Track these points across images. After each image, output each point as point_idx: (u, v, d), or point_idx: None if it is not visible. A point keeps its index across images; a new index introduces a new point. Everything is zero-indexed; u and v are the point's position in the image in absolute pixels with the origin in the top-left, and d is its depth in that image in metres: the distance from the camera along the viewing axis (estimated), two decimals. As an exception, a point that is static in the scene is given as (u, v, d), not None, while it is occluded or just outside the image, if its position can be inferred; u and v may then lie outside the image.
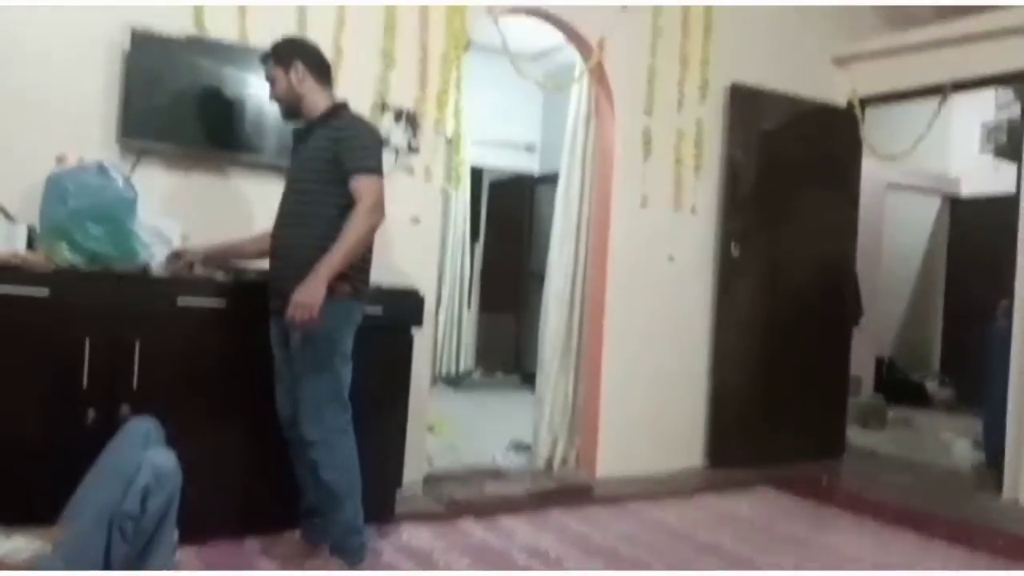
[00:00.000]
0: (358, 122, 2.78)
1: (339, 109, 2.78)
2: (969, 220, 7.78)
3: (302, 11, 3.45)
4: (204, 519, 2.62)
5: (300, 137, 2.81)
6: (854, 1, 5.08)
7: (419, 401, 3.57)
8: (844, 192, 5.20)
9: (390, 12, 3.64)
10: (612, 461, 4.38)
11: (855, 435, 5.56)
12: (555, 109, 6.15)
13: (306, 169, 2.71)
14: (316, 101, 2.76)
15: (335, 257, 2.56)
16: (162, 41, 3.06)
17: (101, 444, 2.38)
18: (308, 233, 2.65)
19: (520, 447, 4.68)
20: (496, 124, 6.93)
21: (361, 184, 2.61)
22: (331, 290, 2.56)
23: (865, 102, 5.14)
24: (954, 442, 5.56)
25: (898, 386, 7.28)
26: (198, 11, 3.22)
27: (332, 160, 2.65)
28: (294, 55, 2.77)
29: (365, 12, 3.57)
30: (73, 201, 2.70)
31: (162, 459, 2.21)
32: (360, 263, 2.72)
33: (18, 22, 2.94)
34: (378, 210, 2.64)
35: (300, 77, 2.75)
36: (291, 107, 2.78)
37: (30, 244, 2.75)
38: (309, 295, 2.52)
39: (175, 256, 2.91)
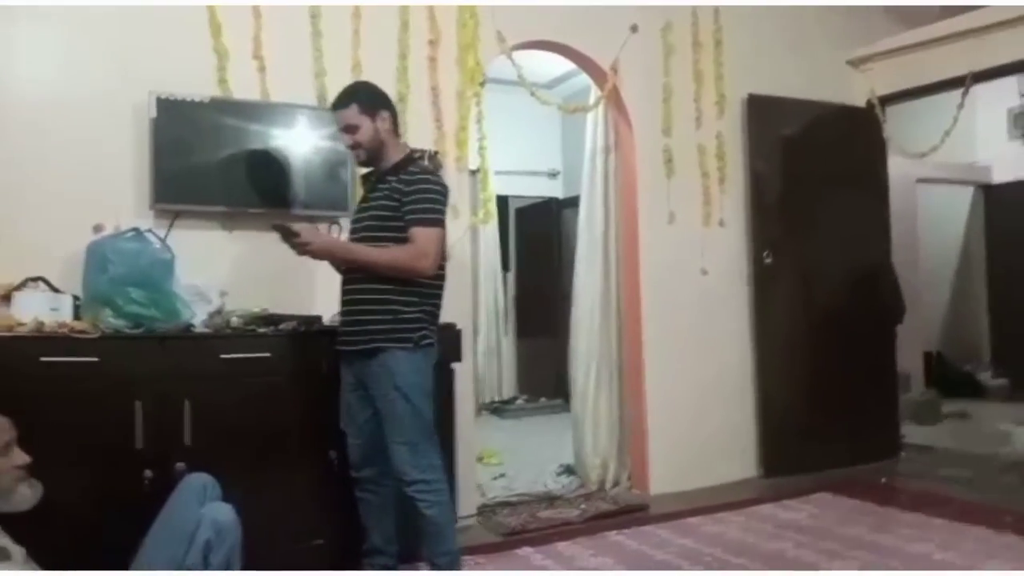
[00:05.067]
0: (428, 174, 2.82)
1: (412, 160, 2.83)
2: (1004, 206, 7.66)
3: (318, 59, 3.53)
4: (270, 565, 2.66)
5: (372, 185, 2.84)
6: (859, 1, 5.07)
7: (466, 433, 3.60)
8: (872, 191, 5.16)
9: (402, 55, 3.72)
10: (665, 478, 4.35)
11: (911, 432, 5.45)
12: (575, 133, 6.18)
13: (375, 217, 2.76)
14: (394, 151, 2.83)
15: (357, 252, 2.70)
16: (186, 105, 3.15)
17: (160, 502, 2.43)
18: (376, 284, 2.70)
19: (570, 471, 4.66)
20: (517, 153, 7.00)
21: (416, 233, 2.68)
22: (416, 343, 2.70)
23: (885, 101, 5.11)
24: (1013, 431, 5.42)
25: (950, 379, 7.15)
26: (220, 72, 3.32)
27: (398, 209, 2.70)
28: (380, 104, 2.82)
29: (377, 57, 3.64)
30: (113, 268, 2.79)
31: (221, 513, 2.24)
32: (433, 310, 2.81)
33: (48, 99, 3.06)
34: (423, 258, 2.69)
35: (385, 126, 2.80)
36: (373, 155, 2.82)
37: (76, 313, 2.83)
38: (318, 244, 2.72)
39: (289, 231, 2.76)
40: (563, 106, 5.01)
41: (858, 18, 5.17)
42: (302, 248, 2.74)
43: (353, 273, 2.78)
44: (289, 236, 2.71)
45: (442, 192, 2.80)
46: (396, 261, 2.69)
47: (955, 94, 4.83)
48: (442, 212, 2.77)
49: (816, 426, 4.67)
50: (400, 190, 2.71)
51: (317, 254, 2.81)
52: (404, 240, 2.70)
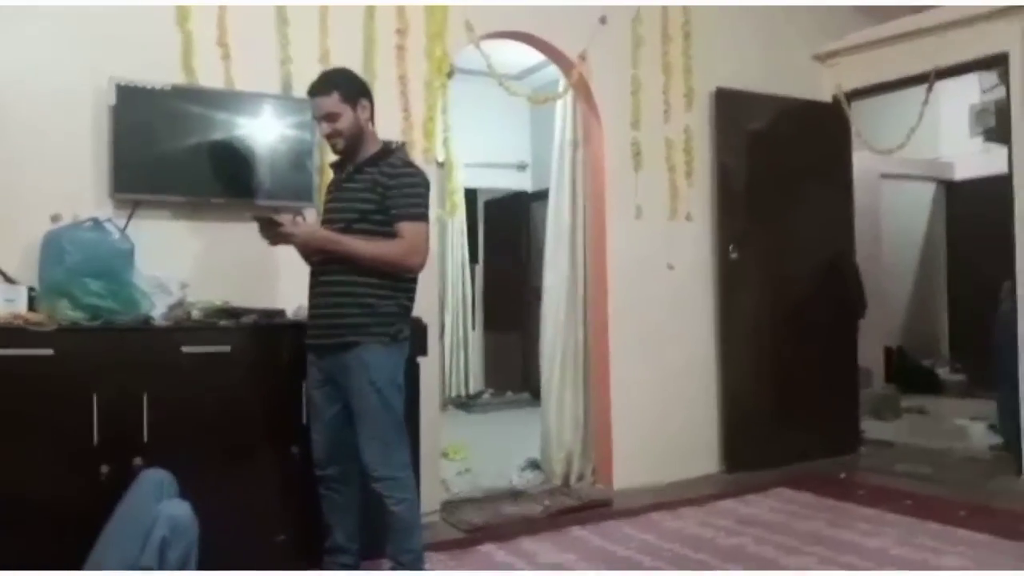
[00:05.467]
0: (410, 167, 2.78)
1: (390, 151, 2.79)
2: (965, 203, 7.78)
3: (284, 48, 3.48)
4: (230, 562, 2.61)
5: (347, 175, 2.78)
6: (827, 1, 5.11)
7: (430, 428, 3.58)
8: (837, 186, 5.23)
9: (368, 43, 3.67)
10: (628, 473, 4.37)
11: (870, 427, 5.54)
12: (544, 126, 6.18)
13: (351, 210, 2.71)
14: (372, 141, 2.79)
15: (348, 244, 2.64)
16: (146, 93, 3.08)
17: (116, 498, 2.39)
18: (352, 276, 2.66)
19: (536, 466, 4.67)
20: (486, 144, 6.98)
21: (405, 228, 2.65)
22: (393, 336, 2.67)
23: (851, 96, 5.17)
24: (969, 427, 5.54)
25: (909, 374, 7.28)
26: (185, 59, 3.25)
27: (379, 202, 2.66)
28: (361, 92, 2.77)
29: (344, 45, 3.59)
30: (70, 258, 2.73)
31: (177, 510, 2.22)
32: (408, 304, 2.77)
33: (4, 85, 2.97)
34: (416, 254, 2.68)
35: (365, 115, 2.76)
36: (352, 145, 2.76)
37: (31, 305, 2.77)
38: (303, 234, 2.71)
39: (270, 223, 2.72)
40: (532, 96, 5.00)
41: (825, 13, 5.21)
42: (284, 239, 2.69)
43: (327, 265, 2.73)
44: (271, 226, 2.67)
45: (426, 185, 2.77)
46: (387, 255, 2.65)
47: (919, 90, 4.89)
48: (427, 206, 2.75)
49: (778, 421, 4.73)
50: (382, 183, 2.67)
51: (301, 244, 2.76)
52: (385, 233, 2.66)
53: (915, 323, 7.98)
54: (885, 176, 7.19)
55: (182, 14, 3.26)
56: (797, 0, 5.04)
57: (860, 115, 5.32)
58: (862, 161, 5.51)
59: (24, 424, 2.54)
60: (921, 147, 7.11)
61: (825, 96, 5.19)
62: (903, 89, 5.08)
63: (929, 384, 7.29)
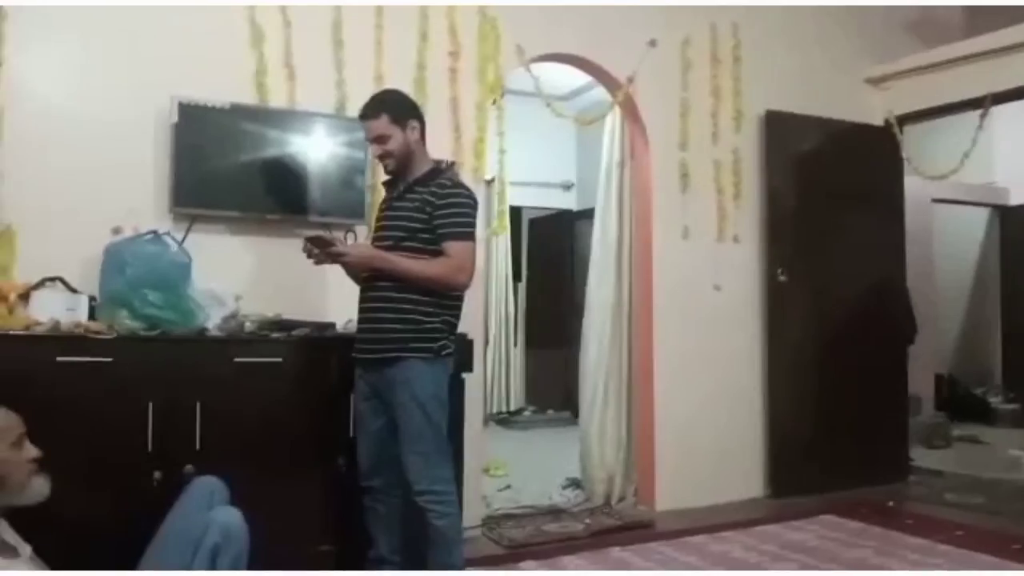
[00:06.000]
0: (459, 187, 2.82)
1: (441, 170, 2.83)
2: (1021, 228, 7.61)
3: (339, 69, 3.56)
4: (277, 570, 2.66)
5: (398, 194, 2.82)
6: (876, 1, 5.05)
7: (474, 444, 3.60)
8: (888, 211, 5.15)
9: (421, 65, 3.74)
10: (671, 495, 4.34)
11: (920, 456, 5.42)
12: (590, 146, 6.21)
13: (400, 228, 2.75)
14: (423, 161, 2.83)
15: (396, 263, 2.68)
16: (208, 111, 3.18)
17: (168, 504, 2.44)
18: (398, 293, 2.71)
19: (576, 484, 4.66)
20: (532, 164, 6.99)
21: (452, 247, 2.69)
22: (437, 352, 2.70)
23: (903, 120, 5.10)
24: (1023, 456, 5.39)
25: (961, 403, 7.11)
26: (258, 78, 3.37)
27: (428, 221, 2.70)
28: (410, 113, 2.81)
29: (398, 67, 3.67)
30: (130, 270, 2.81)
31: (228, 518, 2.25)
32: (453, 320, 2.81)
33: (72, 99, 3.10)
34: (462, 272, 2.71)
35: (415, 136, 2.80)
36: (402, 165, 2.81)
37: (92, 314, 2.86)
38: (355, 254, 2.74)
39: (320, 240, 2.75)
40: (579, 117, 5.03)
41: (877, 36, 5.17)
42: (337, 257, 2.74)
43: (375, 281, 2.78)
44: (322, 246, 2.72)
45: (474, 205, 2.81)
46: (435, 274, 2.69)
47: (973, 114, 4.81)
48: (474, 225, 2.78)
49: (825, 447, 4.65)
50: (431, 202, 2.71)
51: (352, 263, 2.81)
52: (434, 252, 2.70)
53: (967, 350, 7.81)
54: (937, 200, 7.07)
55: (256, 35, 3.37)
56: (847, 15, 5.01)
57: (912, 139, 5.25)
58: (914, 185, 5.43)
59: (82, 428, 2.61)
60: (975, 172, 6.96)
61: (876, 120, 5.13)
62: (957, 113, 5.00)
63: (981, 413, 7.12)
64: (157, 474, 2.71)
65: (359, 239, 3.30)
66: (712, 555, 3.54)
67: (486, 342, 6.70)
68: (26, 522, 2.08)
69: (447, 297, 2.76)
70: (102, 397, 2.66)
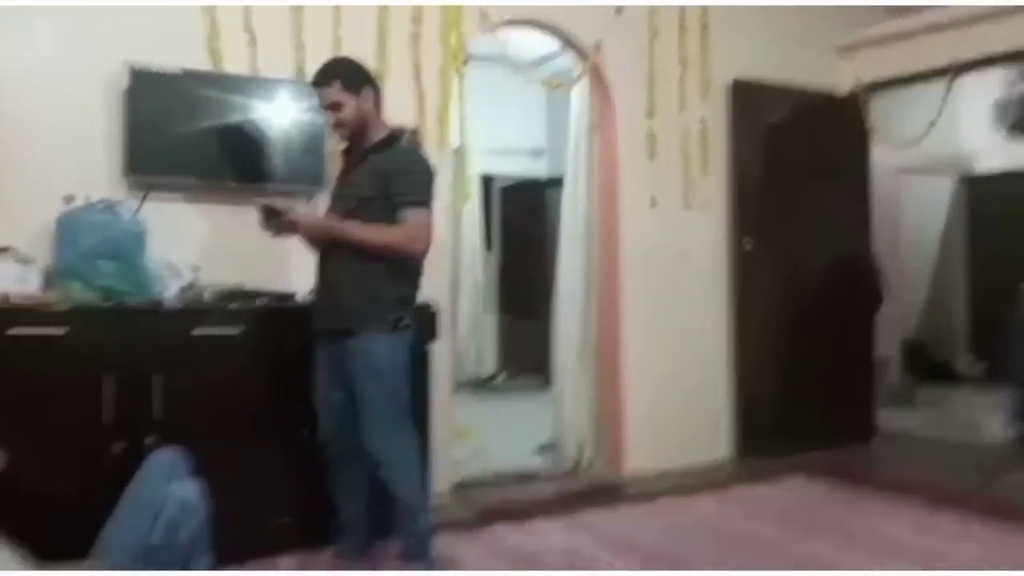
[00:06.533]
0: (414, 154, 2.80)
1: (396, 138, 2.79)
2: (986, 196, 7.65)
3: (298, 34, 3.48)
4: (238, 542, 2.65)
5: (353, 162, 2.80)
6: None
7: (442, 410, 3.60)
8: (855, 179, 5.17)
9: (381, 30, 3.66)
10: (640, 458, 4.37)
11: (886, 417, 5.47)
12: (560, 112, 6.15)
13: (355, 197, 2.72)
14: (377, 128, 2.79)
15: (351, 231, 2.65)
16: (160, 77, 3.09)
17: (128, 477, 2.40)
18: (355, 263, 2.67)
19: (548, 449, 4.67)
20: (502, 131, 6.95)
21: (408, 214, 2.66)
22: (394, 324, 2.68)
23: (870, 89, 5.10)
24: (986, 419, 5.47)
25: (927, 366, 7.20)
26: (211, 43, 3.28)
27: (383, 189, 2.67)
28: (363, 81, 2.76)
29: (358, 32, 3.59)
30: (84, 240, 2.76)
31: (187, 490, 2.22)
32: (411, 293, 2.79)
33: (21, 66, 3.00)
34: (418, 241, 2.69)
35: (368, 104, 2.75)
36: (357, 132, 2.77)
37: (45, 285, 2.79)
38: (307, 223, 2.75)
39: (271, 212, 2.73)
40: (547, 80, 4.97)
41: (846, 5, 5.14)
42: (289, 227, 2.71)
43: (331, 251, 2.74)
44: (273, 216, 2.68)
45: (430, 172, 2.77)
46: (389, 241, 2.66)
47: (940, 84, 4.82)
48: (431, 193, 2.75)
49: (792, 409, 4.70)
50: (386, 170, 2.68)
51: (306, 232, 2.77)
52: (389, 220, 2.67)
53: (934, 315, 7.89)
54: (904, 170, 7.09)
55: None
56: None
57: (880, 108, 5.26)
58: (881, 155, 5.45)
59: (37, 402, 2.57)
60: (942, 141, 7.02)
61: (844, 88, 5.12)
62: (924, 82, 5.00)
63: (947, 376, 7.22)
64: (116, 446, 2.68)
65: (319, 207, 3.25)
66: (682, 516, 3.57)
67: (456, 310, 6.68)
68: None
69: (405, 268, 2.73)
70: (56, 370, 2.62)
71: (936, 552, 3.10)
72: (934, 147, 6.74)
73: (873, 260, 5.49)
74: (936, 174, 7.73)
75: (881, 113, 5.27)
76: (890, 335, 6.54)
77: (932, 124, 4.90)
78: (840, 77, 5.14)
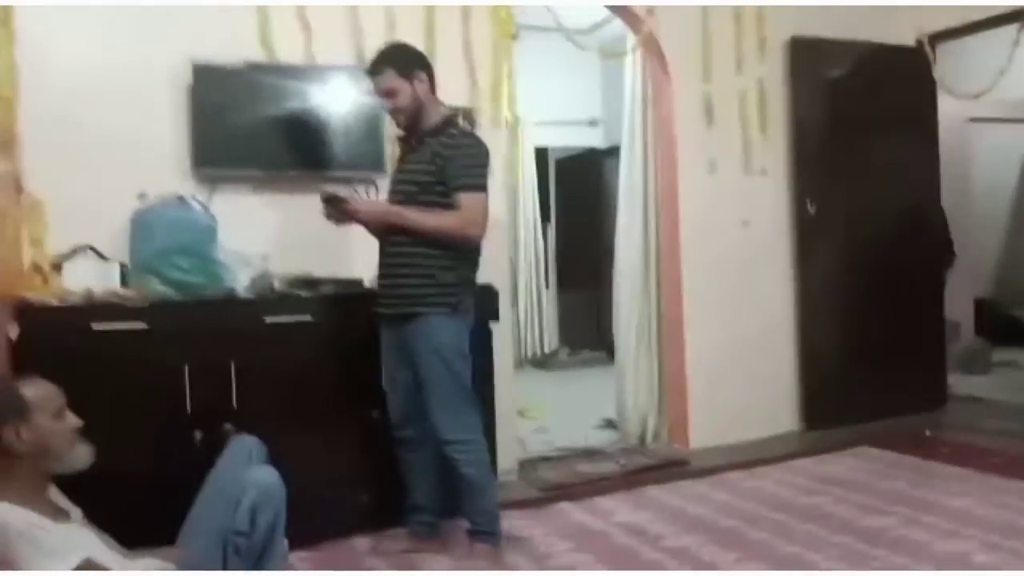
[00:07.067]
0: (469, 137, 2.82)
1: (452, 121, 2.82)
2: (1063, 144, 7.36)
3: (353, 19, 3.51)
4: (314, 524, 2.77)
5: (411, 148, 2.83)
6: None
7: (505, 388, 3.64)
8: (921, 134, 5.00)
9: (430, 9, 3.66)
10: (705, 432, 4.36)
11: (958, 383, 5.36)
12: (614, 81, 6.08)
13: (413, 183, 2.76)
14: (433, 112, 2.82)
15: (408, 217, 2.70)
16: (222, 71, 3.17)
17: (210, 463, 2.51)
18: (414, 248, 2.73)
19: (611, 424, 4.71)
20: (556, 102, 6.91)
21: (463, 199, 2.69)
22: (454, 307, 2.72)
23: (935, 39, 4.91)
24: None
25: (1001, 327, 6.97)
26: (262, 35, 3.33)
27: (439, 174, 2.71)
28: (417, 65, 2.79)
29: (408, 12, 3.60)
30: (158, 236, 2.87)
31: (265, 476, 2.31)
32: (470, 275, 2.83)
33: (87, 69, 3.10)
34: (474, 225, 2.72)
35: (423, 87, 2.78)
36: (413, 118, 2.80)
37: (123, 281, 2.91)
38: (366, 211, 2.80)
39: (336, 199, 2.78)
40: (602, 50, 4.91)
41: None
42: (351, 215, 2.77)
43: (392, 236, 2.79)
44: (336, 204, 2.74)
45: (485, 154, 2.80)
46: (446, 227, 2.71)
47: (1010, 29, 4.62)
48: (486, 176, 2.78)
49: (860, 377, 4.61)
50: (441, 154, 2.71)
51: (366, 220, 2.83)
52: (446, 204, 2.71)
53: (1008, 273, 7.63)
54: (974, 120, 6.84)
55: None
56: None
57: (947, 58, 5.06)
58: (948, 106, 5.26)
59: (122, 394, 2.69)
60: (1014, 88, 6.72)
61: (908, 40, 4.94)
62: (991, 28, 4.79)
63: (1022, 337, 7.00)
64: (198, 434, 2.79)
65: (381, 193, 3.30)
66: (745, 490, 3.57)
67: (515, 286, 6.72)
68: (76, 487, 2.15)
69: (464, 250, 2.77)
70: (139, 362, 2.73)
71: (1007, 523, 3.04)
72: (1007, 93, 6.48)
73: (943, 216, 5.33)
74: (1009, 122, 7.43)
75: (948, 63, 5.07)
76: (962, 295, 6.37)
77: (1001, 74, 4.69)
78: (902, 29, 4.94)
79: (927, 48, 4.91)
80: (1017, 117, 7.41)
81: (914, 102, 4.94)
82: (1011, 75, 4.80)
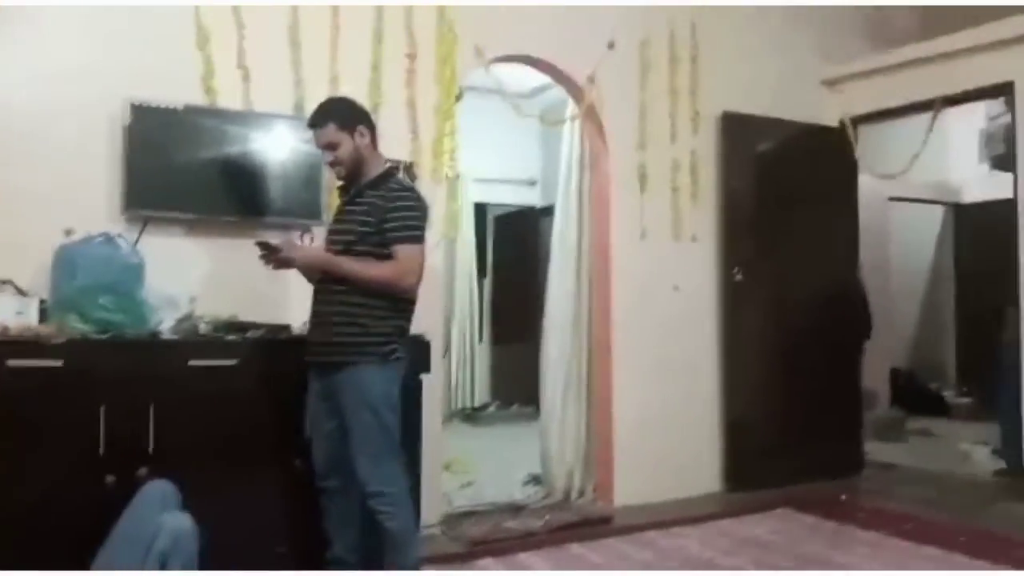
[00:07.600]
0: (408, 190, 2.85)
1: (391, 174, 2.86)
2: (974, 226, 7.78)
3: (296, 70, 3.55)
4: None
5: (349, 199, 2.85)
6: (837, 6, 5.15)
7: (433, 442, 3.62)
8: (843, 209, 5.25)
9: (376, 66, 3.74)
10: (630, 490, 4.40)
11: (874, 449, 5.53)
12: (553, 143, 6.24)
13: (351, 232, 2.78)
14: (374, 165, 2.85)
15: (344, 266, 2.71)
16: (161, 112, 3.16)
17: (121, 508, 2.44)
18: (348, 296, 2.72)
19: (538, 480, 4.70)
20: (497, 161, 7.05)
21: (400, 250, 2.72)
22: (385, 356, 2.71)
23: (857, 121, 5.20)
24: (973, 451, 5.53)
25: (916, 397, 7.24)
26: (206, 81, 3.35)
27: (377, 224, 2.73)
28: (358, 120, 2.83)
29: (354, 68, 3.67)
30: (81, 273, 2.81)
31: (179, 522, 2.27)
32: (403, 325, 2.83)
33: (23, 102, 3.06)
34: (409, 275, 2.74)
35: (364, 141, 2.82)
36: (353, 170, 2.83)
37: (42, 317, 2.83)
38: (301, 258, 2.80)
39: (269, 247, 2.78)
40: (543, 118, 5.05)
41: (832, 39, 5.25)
42: (283, 263, 2.77)
43: (327, 284, 2.80)
44: (270, 251, 2.74)
45: (423, 208, 2.83)
46: (382, 277, 2.72)
47: (924, 117, 4.92)
48: (423, 228, 2.81)
49: (781, 442, 4.74)
50: (380, 206, 2.74)
51: (301, 267, 2.83)
52: (383, 255, 2.73)
53: (922, 346, 7.97)
54: (893, 199, 7.20)
55: (202, 36, 3.35)
56: (802, 24, 5.09)
57: (868, 139, 5.35)
58: (869, 184, 5.54)
59: (33, 433, 2.60)
60: (930, 170, 7.12)
61: (832, 121, 5.22)
62: (909, 115, 5.10)
63: (935, 407, 7.26)
64: (110, 478, 2.70)
65: (316, 240, 3.30)
66: (667, 550, 3.60)
67: (448, 339, 6.72)
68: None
69: (398, 301, 2.78)
70: (53, 401, 2.64)
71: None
72: (923, 176, 6.86)
73: (862, 290, 5.56)
74: (925, 203, 7.84)
75: (870, 143, 5.36)
76: (879, 366, 6.60)
77: (915, 157, 4.99)
78: (827, 110, 5.23)
79: (849, 129, 5.19)
80: (931, 198, 7.84)
81: (836, 179, 5.19)
82: (925, 158, 5.11)
